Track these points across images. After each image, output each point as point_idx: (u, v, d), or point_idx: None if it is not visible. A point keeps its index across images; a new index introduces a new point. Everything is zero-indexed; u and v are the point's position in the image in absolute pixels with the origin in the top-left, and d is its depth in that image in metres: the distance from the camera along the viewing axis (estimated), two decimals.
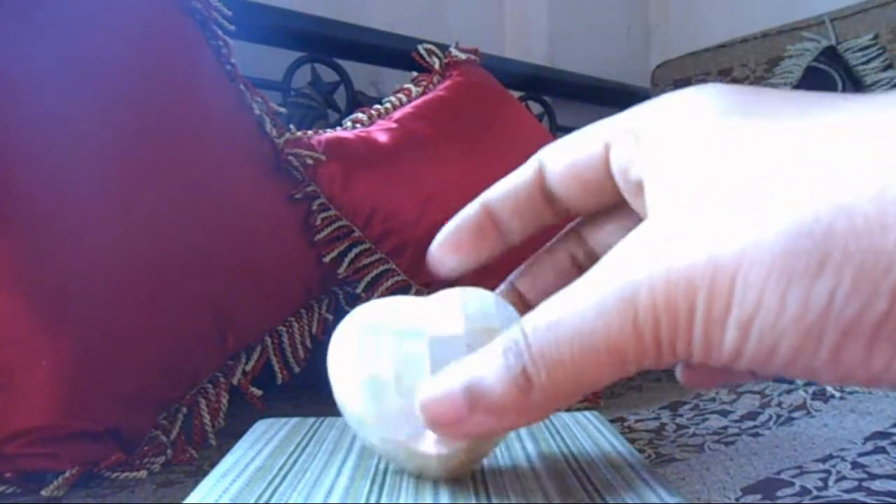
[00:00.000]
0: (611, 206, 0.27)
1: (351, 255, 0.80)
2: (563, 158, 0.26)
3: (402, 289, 0.81)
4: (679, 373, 0.26)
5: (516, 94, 1.31)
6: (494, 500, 0.24)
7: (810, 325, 0.17)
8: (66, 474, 0.55)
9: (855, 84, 1.23)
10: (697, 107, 0.21)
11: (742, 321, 0.18)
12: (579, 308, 0.20)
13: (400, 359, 0.25)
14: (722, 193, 0.19)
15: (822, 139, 0.18)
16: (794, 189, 0.18)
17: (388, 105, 0.96)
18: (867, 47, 1.23)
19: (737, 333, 0.18)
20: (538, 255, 0.30)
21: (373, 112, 0.94)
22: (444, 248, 0.28)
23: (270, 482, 0.27)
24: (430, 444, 0.25)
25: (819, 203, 0.17)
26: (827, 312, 0.17)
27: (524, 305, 0.29)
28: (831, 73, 1.25)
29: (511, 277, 0.30)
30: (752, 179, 0.18)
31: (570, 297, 0.20)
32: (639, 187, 0.22)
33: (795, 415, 0.75)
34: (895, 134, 0.17)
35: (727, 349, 0.19)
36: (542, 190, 0.26)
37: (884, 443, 0.62)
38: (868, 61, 1.23)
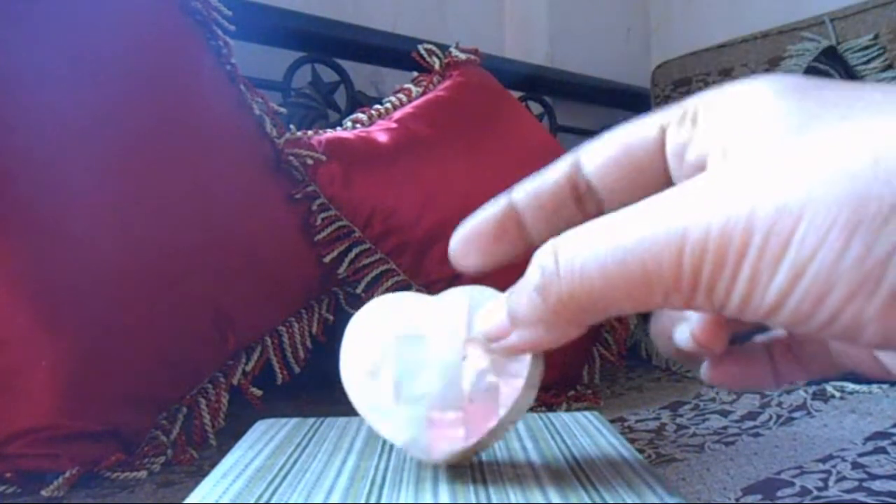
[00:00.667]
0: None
1: (351, 255, 0.80)
2: (609, 145, 0.26)
3: (402, 289, 0.81)
4: (704, 371, 0.27)
5: (516, 94, 1.31)
6: (494, 500, 0.24)
7: (868, 272, 0.17)
8: (67, 474, 0.55)
9: None
10: (753, 91, 0.22)
11: (797, 264, 0.17)
12: (627, 233, 0.20)
13: (401, 368, 0.27)
14: (788, 147, 0.19)
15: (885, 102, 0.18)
16: (866, 138, 0.17)
17: (388, 105, 0.96)
18: (867, 47, 1.23)
19: (787, 278, 0.18)
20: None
21: (373, 112, 0.94)
22: (465, 245, 0.27)
23: (270, 483, 0.27)
24: (421, 451, 0.26)
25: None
26: (890, 259, 0.17)
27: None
28: (832, 74, 1.25)
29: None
30: (819, 134, 0.19)
31: (619, 222, 0.20)
32: (695, 168, 0.23)
33: (796, 415, 0.75)
34: None
35: (771, 296, 0.18)
36: (574, 188, 0.26)
37: (884, 443, 0.62)
38: (868, 61, 1.23)
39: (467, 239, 0.27)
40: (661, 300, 0.20)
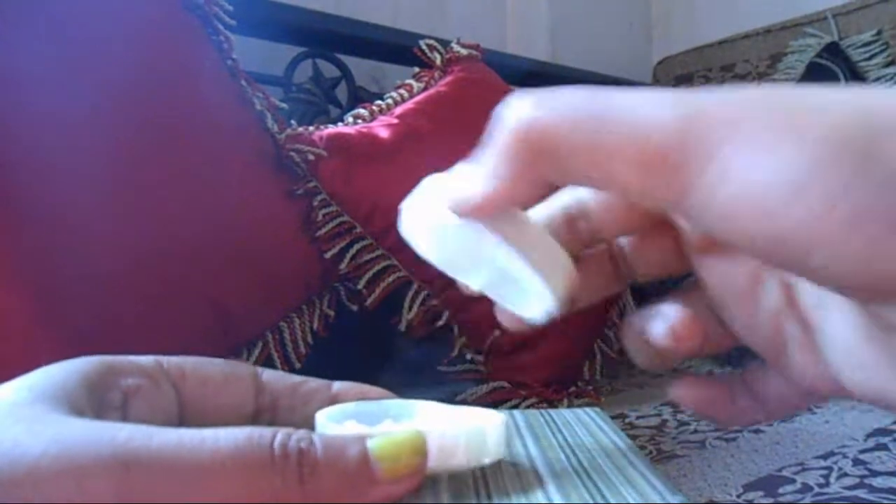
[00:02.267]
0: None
1: (352, 250, 0.80)
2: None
3: (403, 285, 0.81)
4: (674, 388, 0.28)
5: (518, 89, 1.31)
6: (495, 500, 0.24)
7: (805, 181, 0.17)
8: None
9: (858, 80, 1.23)
10: None
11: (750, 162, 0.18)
12: (609, 104, 0.21)
13: None
14: None
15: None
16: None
17: (389, 101, 0.96)
18: (870, 43, 1.22)
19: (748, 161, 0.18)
20: None
21: (374, 108, 0.94)
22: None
23: None
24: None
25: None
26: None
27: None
28: (834, 69, 1.25)
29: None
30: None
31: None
32: None
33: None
34: None
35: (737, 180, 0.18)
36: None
37: (885, 439, 0.62)
38: (871, 57, 1.23)
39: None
40: (623, 167, 0.20)
